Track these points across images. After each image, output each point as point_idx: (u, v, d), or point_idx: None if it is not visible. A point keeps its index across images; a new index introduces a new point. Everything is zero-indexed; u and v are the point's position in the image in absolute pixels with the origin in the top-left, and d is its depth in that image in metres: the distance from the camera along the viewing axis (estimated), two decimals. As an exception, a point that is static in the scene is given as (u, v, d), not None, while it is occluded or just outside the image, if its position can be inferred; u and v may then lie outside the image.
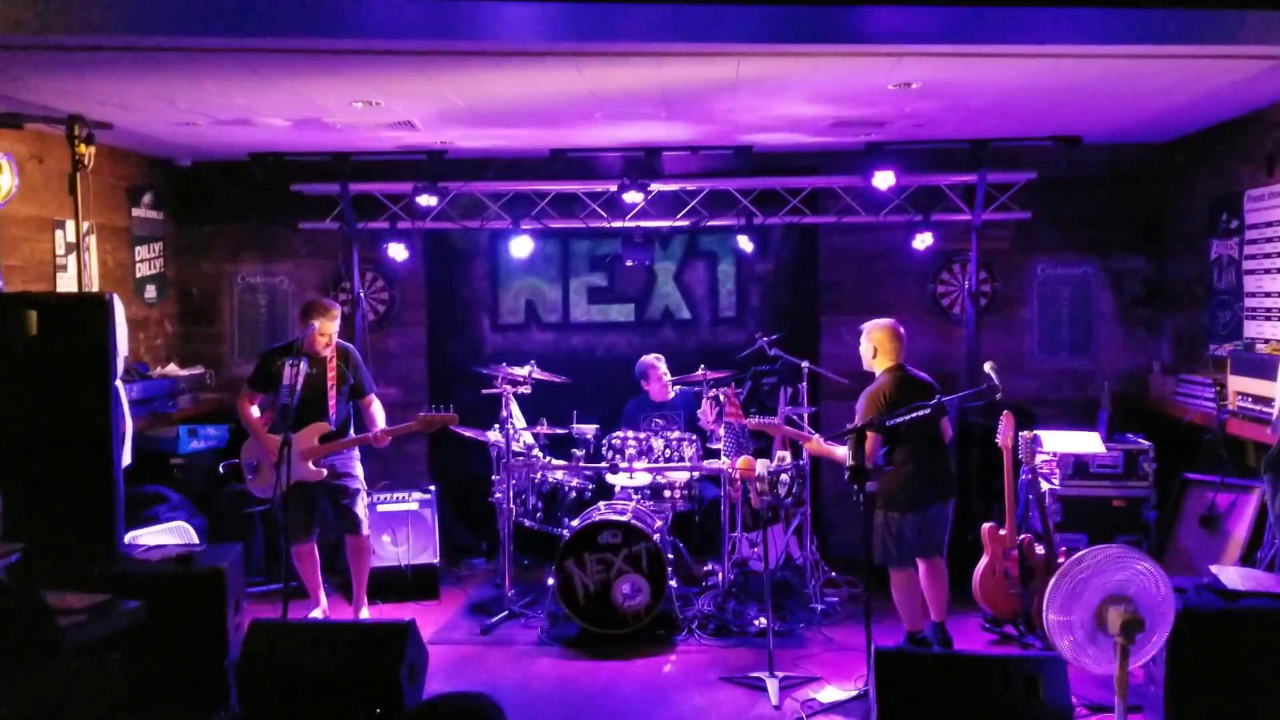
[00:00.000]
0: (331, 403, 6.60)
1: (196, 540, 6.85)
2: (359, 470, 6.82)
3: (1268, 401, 6.12)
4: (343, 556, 6.96)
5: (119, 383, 5.52)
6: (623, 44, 5.11)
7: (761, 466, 6.62)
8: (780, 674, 5.89)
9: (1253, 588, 5.00)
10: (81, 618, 4.11)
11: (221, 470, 7.18)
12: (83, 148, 5.98)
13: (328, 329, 6.54)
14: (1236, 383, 6.63)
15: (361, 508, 6.77)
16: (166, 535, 6.66)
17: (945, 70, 5.66)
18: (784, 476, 6.66)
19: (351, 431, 6.80)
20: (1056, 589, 4.43)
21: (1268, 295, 6.77)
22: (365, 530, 6.80)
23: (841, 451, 6.13)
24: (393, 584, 7.53)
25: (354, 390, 6.76)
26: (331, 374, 6.61)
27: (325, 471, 6.58)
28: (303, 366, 6.20)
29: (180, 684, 5.21)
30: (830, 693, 5.75)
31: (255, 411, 6.66)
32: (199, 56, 5.16)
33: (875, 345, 6.28)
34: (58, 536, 5.15)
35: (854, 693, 5.66)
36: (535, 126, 7.07)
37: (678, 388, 7.96)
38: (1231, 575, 5.15)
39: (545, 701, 5.90)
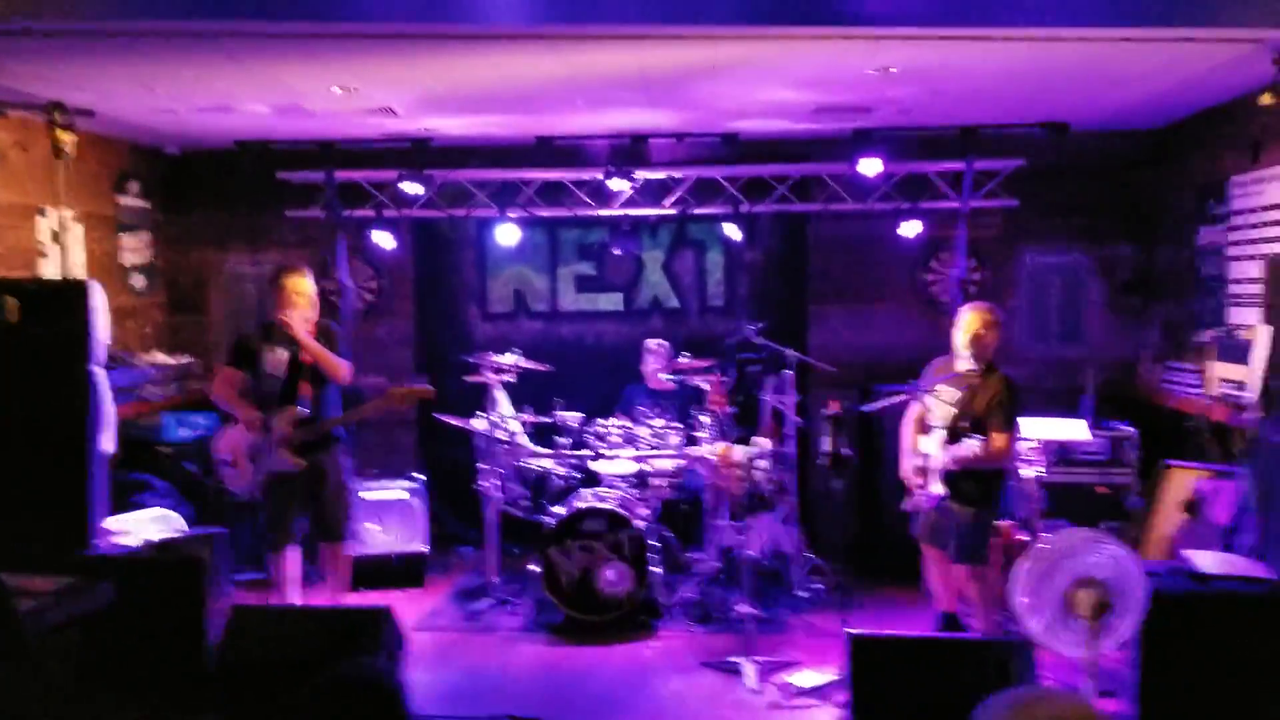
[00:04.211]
0: (305, 385, 6.18)
1: (184, 526, 6.83)
2: (345, 466, 6.39)
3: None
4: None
5: (97, 368, 5.52)
6: (598, 26, 5.06)
7: (740, 453, 6.61)
8: (760, 658, 5.91)
9: (1226, 571, 4.99)
10: (47, 600, 4.09)
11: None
12: (63, 135, 5.98)
13: (288, 286, 6.14)
14: (1219, 369, 6.62)
15: (343, 509, 6.31)
16: (151, 522, 6.65)
17: (925, 54, 5.62)
18: (762, 463, 6.65)
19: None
20: (1026, 572, 4.43)
21: (1251, 281, 6.73)
22: (345, 537, 6.34)
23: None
24: (380, 572, 7.54)
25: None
26: (305, 355, 6.18)
27: (304, 462, 6.13)
28: (280, 351, 6.13)
29: (158, 672, 5.18)
30: (808, 676, 5.77)
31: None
32: (174, 41, 5.14)
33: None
34: (33, 522, 5.15)
35: (831, 677, 5.67)
36: (519, 113, 7.05)
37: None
38: (1205, 559, 5.13)
39: (526, 685, 5.95)
